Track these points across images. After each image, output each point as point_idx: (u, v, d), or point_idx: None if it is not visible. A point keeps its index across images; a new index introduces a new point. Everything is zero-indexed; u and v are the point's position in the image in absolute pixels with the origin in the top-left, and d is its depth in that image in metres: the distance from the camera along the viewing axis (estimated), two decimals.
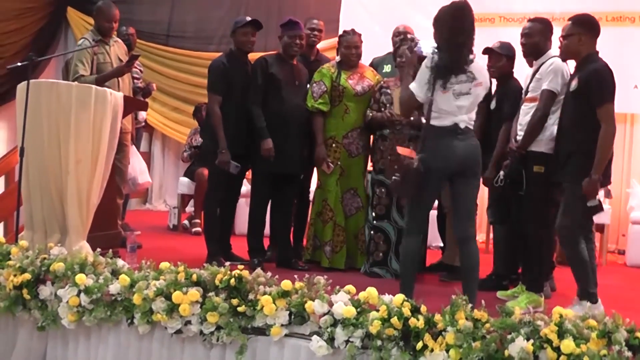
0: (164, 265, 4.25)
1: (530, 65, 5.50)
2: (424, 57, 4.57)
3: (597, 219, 6.80)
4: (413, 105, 4.62)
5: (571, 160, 4.66)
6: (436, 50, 4.38)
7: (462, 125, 4.33)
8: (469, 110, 4.42)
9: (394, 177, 4.34)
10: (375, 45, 7.03)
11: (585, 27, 4.78)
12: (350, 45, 6.09)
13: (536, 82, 5.10)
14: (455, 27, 4.33)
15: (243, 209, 6.45)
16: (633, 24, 7.97)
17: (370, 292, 3.80)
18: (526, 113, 5.11)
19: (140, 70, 7.84)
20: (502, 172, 5.21)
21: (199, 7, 10.36)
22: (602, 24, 7.73)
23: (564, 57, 4.89)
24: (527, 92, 5.21)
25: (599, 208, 4.67)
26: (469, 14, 4.39)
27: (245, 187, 6.42)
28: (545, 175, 4.95)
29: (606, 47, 7.71)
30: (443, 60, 4.31)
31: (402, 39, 6.06)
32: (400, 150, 4.66)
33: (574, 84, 4.71)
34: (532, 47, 5.27)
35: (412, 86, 4.43)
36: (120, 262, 4.50)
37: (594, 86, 4.56)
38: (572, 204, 4.63)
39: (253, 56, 6.20)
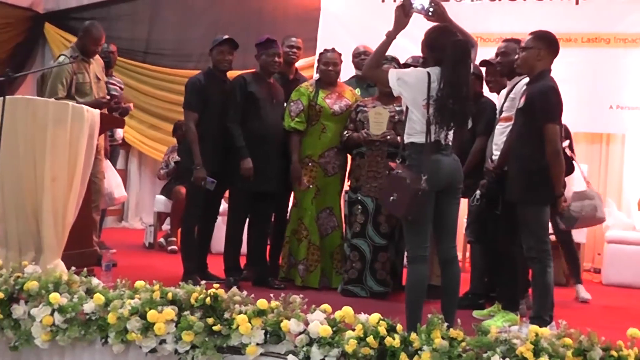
0: (139, 283, 4.22)
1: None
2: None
3: (573, 237, 6.90)
4: (379, 80, 4.66)
5: (518, 179, 4.72)
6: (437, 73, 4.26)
7: (443, 141, 4.25)
8: None
9: (392, 198, 4.20)
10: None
11: (545, 43, 4.75)
12: (329, 62, 6.12)
13: (510, 101, 5.13)
14: (461, 71, 4.25)
15: (220, 227, 6.43)
16: (608, 45, 8.05)
17: (346, 311, 3.79)
18: (501, 132, 5.14)
19: (120, 88, 7.81)
20: (478, 192, 5.22)
21: (178, 24, 10.35)
22: (578, 45, 7.97)
23: (520, 70, 4.91)
24: (501, 111, 5.24)
25: (572, 220, 4.75)
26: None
27: (223, 206, 6.40)
28: None
29: (582, 68, 7.92)
30: (448, 108, 4.18)
31: (363, 59, 6.15)
32: (393, 165, 4.52)
33: (522, 101, 4.76)
34: (509, 65, 5.28)
35: (392, 76, 4.33)
36: (95, 281, 4.44)
37: (538, 105, 4.58)
38: (529, 224, 4.66)
39: (232, 74, 6.22)
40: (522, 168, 4.68)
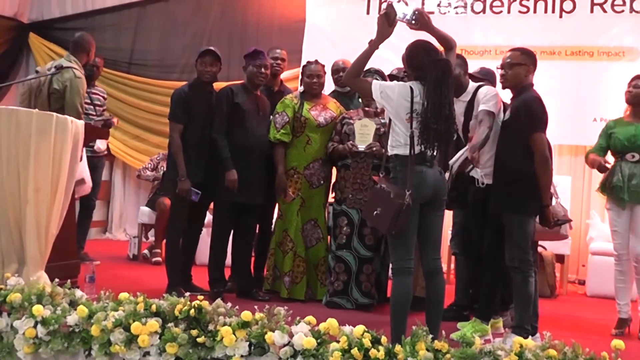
0: (123, 295, 4.19)
1: None
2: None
3: (558, 249, 6.92)
4: (360, 90, 4.75)
5: (504, 190, 4.76)
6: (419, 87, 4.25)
7: (428, 153, 4.24)
8: None
9: (375, 212, 4.19)
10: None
11: (532, 60, 4.89)
12: (313, 74, 6.13)
13: (474, 119, 5.13)
14: (443, 91, 4.20)
15: (204, 239, 6.42)
16: (592, 58, 8.14)
17: (331, 323, 3.77)
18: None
19: (103, 98, 7.76)
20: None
21: (162, 35, 10.35)
22: (562, 58, 8.05)
23: (508, 84, 4.92)
24: (467, 130, 5.22)
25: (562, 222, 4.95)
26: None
27: (208, 217, 6.35)
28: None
29: (565, 80, 7.97)
30: (432, 128, 4.15)
31: (342, 76, 6.18)
32: (377, 178, 4.51)
33: (507, 113, 4.87)
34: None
35: (375, 89, 4.32)
36: (78, 293, 4.41)
37: (524, 116, 4.67)
38: (513, 234, 4.71)
39: (218, 85, 6.20)
40: (509, 179, 4.73)
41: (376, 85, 4.34)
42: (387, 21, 4.30)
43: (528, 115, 4.66)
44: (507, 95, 5.11)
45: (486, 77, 5.69)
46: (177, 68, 10.12)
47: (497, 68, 5.04)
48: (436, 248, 4.42)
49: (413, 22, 4.41)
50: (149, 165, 8.74)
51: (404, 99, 4.23)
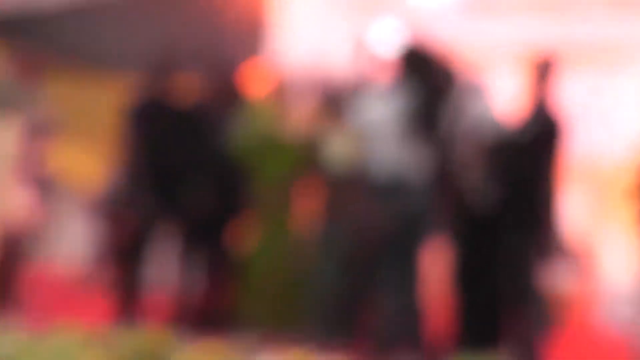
0: (64, 324, 3.67)
1: None
2: None
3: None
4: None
5: (509, 207, 4.83)
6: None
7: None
8: None
9: (360, 233, 4.41)
10: None
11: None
12: (285, 85, 6.30)
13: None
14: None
15: (160, 266, 6.41)
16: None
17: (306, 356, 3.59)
18: None
19: None
20: None
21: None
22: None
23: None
24: None
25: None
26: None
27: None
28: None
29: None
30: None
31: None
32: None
33: (517, 124, 5.07)
34: None
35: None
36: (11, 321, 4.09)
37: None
38: (516, 256, 4.74)
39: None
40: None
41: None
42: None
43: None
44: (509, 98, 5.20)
45: (479, 86, 5.55)
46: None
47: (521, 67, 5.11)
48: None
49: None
50: (103, 194, 8.42)
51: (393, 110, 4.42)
